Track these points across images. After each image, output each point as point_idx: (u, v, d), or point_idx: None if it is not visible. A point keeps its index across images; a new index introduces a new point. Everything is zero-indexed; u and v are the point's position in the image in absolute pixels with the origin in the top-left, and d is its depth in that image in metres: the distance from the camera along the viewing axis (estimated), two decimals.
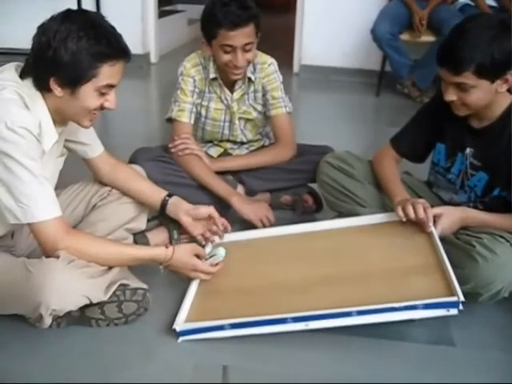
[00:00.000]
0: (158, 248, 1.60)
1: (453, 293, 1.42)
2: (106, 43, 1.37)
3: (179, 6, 6.69)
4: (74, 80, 1.38)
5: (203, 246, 1.76)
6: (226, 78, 2.13)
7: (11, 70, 1.43)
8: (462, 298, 1.39)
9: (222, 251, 1.69)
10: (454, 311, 1.42)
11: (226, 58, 2.01)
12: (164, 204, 1.78)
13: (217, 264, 1.67)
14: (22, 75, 1.42)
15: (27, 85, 1.41)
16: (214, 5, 1.97)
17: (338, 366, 1.48)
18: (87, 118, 1.48)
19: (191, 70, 2.14)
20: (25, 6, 4.63)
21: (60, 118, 1.49)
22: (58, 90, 1.40)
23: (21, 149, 1.34)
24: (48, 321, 1.43)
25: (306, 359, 1.50)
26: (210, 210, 1.80)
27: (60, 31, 1.34)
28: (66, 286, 1.39)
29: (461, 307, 1.41)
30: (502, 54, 1.51)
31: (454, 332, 1.61)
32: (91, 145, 1.73)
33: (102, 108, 1.48)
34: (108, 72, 1.40)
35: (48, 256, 1.42)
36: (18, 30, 4.66)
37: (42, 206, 1.38)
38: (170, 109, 2.19)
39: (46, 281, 1.36)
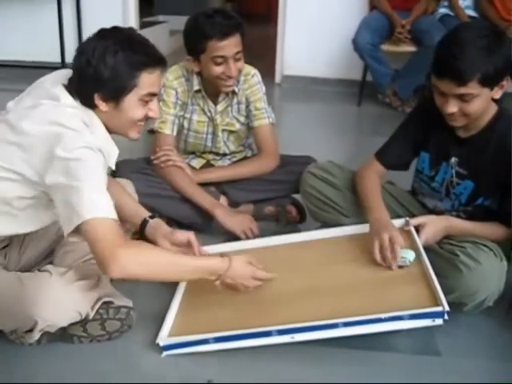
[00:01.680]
0: (214, 258, 1.56)
1: (438, 303, 1.42)
2: (142, 52, 1.44)
3: (161, 17, 6.69)
4: (116, 92, 1.43)
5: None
6: (211, 91, 2.13)
7: (65, 95, 1.44)
8: (447, 308, 1.39)
9: (411, 255, 1.61)
10: (439, 321, 1.42)
11: (218, 70, 2.00)
12: (143, 225, 1.73)
13: None
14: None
15: (79, 105, 1.44)
16: (196, 19, 1.97)
17: (325, 379, 1.47)
18: (134, 129, 1.52)
19: (174, 81, 2.13)
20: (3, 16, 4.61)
21: (109, 133, 1.52)
22: (103, 106, 1.44)
23: (97, 167, 1.37)
24: (36, 336, 1.42)
25: (292, 372, 1.49)
26: (188, 235, 1.71)
27: (97, 48, 1.40)
28: (60, 301, 1.39)
29: (446, 317, 1.41)
30: (502, 61, 1.51)
31: (440, 341, 1.60)
32: None
33: (146, 118, 1.53)
34: (148, 80, 1.45)
35: (102, 261, 1.33)
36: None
37: (101, 205, 1.34)
38: (151, 120, 2.17)
39: (39, 295, 1.36)
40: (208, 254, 1.73)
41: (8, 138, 1.39)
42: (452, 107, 1.57)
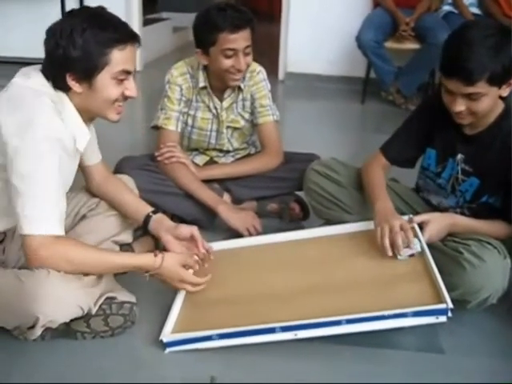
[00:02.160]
0: (146, 255, 1.55)
1: (441, 300, 1.42)
2: (112, 29, 1.40)
3: (164, 14, 6.69)
4: (88, 71, 1.40)
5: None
6: (217, 87, 2.13)
7: (38, 73, 1.44)
8: (450, 305, 1.39)
9: (418, 244, 1.61)
10: (442, 318, 1.42)
11: (228, 63, 2.00)
12: (147, 220, 1.73)
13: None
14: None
15: (51, 88, 1.43)
16: (208, 12, 1.98)
17: (328, 376, 1.47)
18: (112, 110, 1.49)
19: (178, 78, 2.13)
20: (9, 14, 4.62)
21: (87, 116, 1.51)
22: (76, 86, 1.42)
23: (47, 160, 1.35)
24: (38, 332, 1.42)
25: (295, 369, 1.49)
26: (192, 230, 1.71)
27: (64, 29, 1.37)
28: (60, 297, 1.38)
29: (449, 314, 1.41)
30: (510, 59, 1.51)
31: (443, 339, 1.60)
32: (92, 152, 1.72)
33: (124, 98, 1.49)
34: (119, 57, 1.42)
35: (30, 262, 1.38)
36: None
37: (44, 221, 1.36)
38: (155, 116, 2.17)
39: (38, 291, 1.35)
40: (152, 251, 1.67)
41: None
42: (460, 106, 1.57)
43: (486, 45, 1.49)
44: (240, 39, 1.97)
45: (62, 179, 1.41)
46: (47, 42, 1.41)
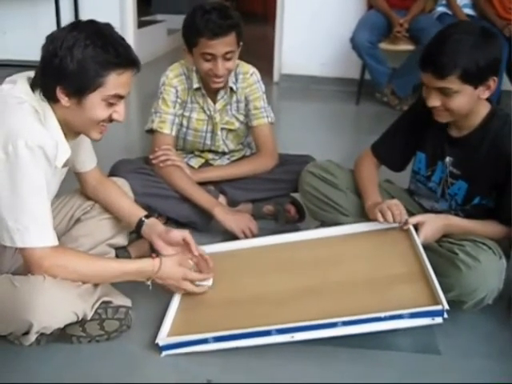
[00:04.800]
0: (144, 260, 1.55)
1: (437, 301, 1.42)
2: (114, 52, 1.36)
3: (159, 16, 6.69)
4: (80, 88, 1.36)
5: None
6: (209, 88, 2.12)
7: (24, 81, 1.41)
8: (446, 307, 1.39)
9: None
10: (438, 320, 1.42)
11: (207, 66, 2.00)
12: (139, 225, 1.72)
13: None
14: (33, 87, 1.41)
15: (37, 97, 1.39)
16: (194, 13, 1.96)
17: (325, 378, 1.47)
18: (96, 129, 1.46)
19: (174, 79, 2.13)
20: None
21: (69, 131, 1.47)
22: (64, 100, 1.38)
23: (33, 169, 1.33)
24: (33, 338, 1.41)
25: (292, 371, 1.49)
26: (184, 234, 1.68)
27: (67, 39, 1.34)
28: (55, 304, 1.37)
29: (445, 315, 1.41)
30: (486, 60, 1.52)
31: (440, 340, 1.61)
32: (85, 160, 1.70)
33: (110, 120, 1.45)
34: (115, 81, 1.38)
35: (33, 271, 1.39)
36: None
37: (38, 233, 1.36)
38: (149, 119, 2.17)
39: (33, 298, 1.34)
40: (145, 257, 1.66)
41: None
42: (434, 101, 1.60)
43: (462, 42, 1.52)
44: (219, 45, 1.94)
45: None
46: (46, 48, 1.37)
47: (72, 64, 1.33)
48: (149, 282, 1.54)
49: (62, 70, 1.34)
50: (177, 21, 6.50)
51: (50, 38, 1.37)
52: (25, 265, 1.42)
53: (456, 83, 1.53)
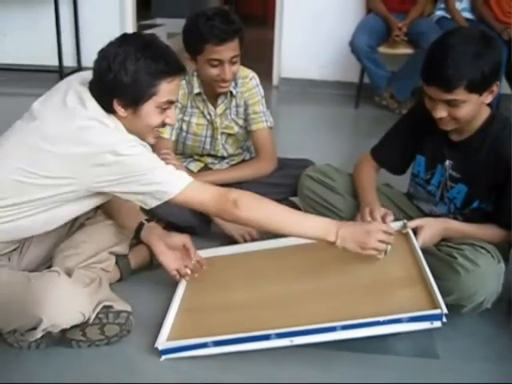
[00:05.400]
0: (324, 218, 1.62)
1: (436, 305, 1.42)
2: (163, 61, 1.44)
3: (158, 20, 6.69)
4: (135, 99, 1.45)
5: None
6: (210, 93, 2.13)
7: (91, 100, 1.44)
8: (445, 311, 1.39)
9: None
10: (437, 324, 1.42)
11: (214, 72, 2.00)
12: (139, 228, 1.74)
13: None
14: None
15: (103, 111, 1.45)
16: (197, 20, 1.96)
17: (324, 381, 1.47)
18: (151, 135, 1.55)
19: None
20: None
21: None
22: (121, 111, 1.46)
23: (146, 154, 1.46)
24: (38, 335, 1.42)
25: (291, 375, 1.49)
26: (184, 240, 1.72)
27: (118, 54, 1.41)
28: (66, 301, 1.40)
29: (444, 319, 1.41)
30: (490, 66, 1.52)
31: (439, 344, 1.61)
32: None
33: (163, 125, 1.55)
34: (167, 89, 1.46)
35: (219, 212, 1.54)
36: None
37: (176, 178, 1.49)
38: None
39: (47, 294, 1.38)
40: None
41: (40, 146, 1.40)
42: (441, 112, 1.59)
43: (465, 52, 1.51)
44: (226, 50, 1.96)
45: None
46: (98, 64, 1.44)
47: (126, 77, 1.41)
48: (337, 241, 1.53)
49: (117, 83, 1.42)
50: (176, 24, 6.50)
51: (102, 54, 1.44)
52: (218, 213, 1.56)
53: (463, 94, 1.52)
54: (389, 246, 1.57)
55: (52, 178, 1.41)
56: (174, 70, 1.47)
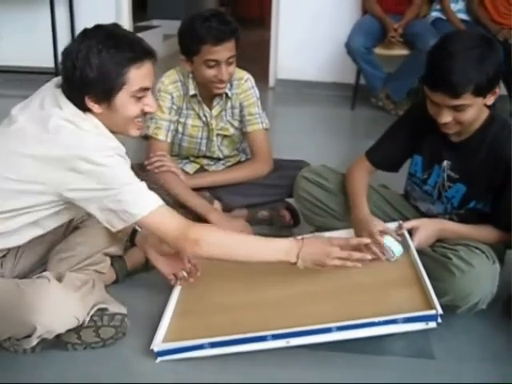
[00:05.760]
0: (285, 240, 1.58)
1: (431, 306, 1.42)
2: (127, 48, 1.39)
3: (154, 22, 6.69)
4: (106, 93, 1.40)
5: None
6: (206, 95, 2.13)
7: (67, 103, 1.42)
8: (440, 311, 1.40)
9: (398, 249, 1.64)
10: (432, 324, 1.42)
11: (211, 72, 2.01)
12: (133, 234, 1.74)
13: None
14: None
15: (80, 111, 1.42)
16: (193, 21, 1.96)
17: (322, 382, 1.48)
18: (133, 127, 1.50)
19: (169, 86, 2.14)
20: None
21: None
22: (95, 107, 1.42)
23: (121, 167, 1.42)
24: (34, 342, 1.41)
25: (288, 376, 1.49)
26: None
27: (80, 50, 1.37)
28: (60, 307, 1.38)
29: (439, 320, 1.41)
30: (494, 68, 1.52)
31: (434, 345, 1.61)
32: None
33: (143, 113, 1.49)
34: (137, 75, 1.41)
35: (177, 247, 1.50)
36: None
37: (147, 199, 1.44)
38: (145, 125, 2.17)
39: (39, 301, 1.35)
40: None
41: (16, 149, 1.38)
42: (446, 117, 1.58)
43: (469, 56, 1.50)
44: (223, 51, 1.96)
45: None
46: (64, 63, 1.40)
47: (92, 72, 1.37)
48: (299, 264, 1.53)
49: (84, 80, 1.37)
50: (172, 26, 6.48)
51: (65, 54, 1.41)
52: (163, 237, 1.49)
53: (470, 99, 1.52)
54: (396, 255, 1.63)
55: (25, 183, 1.38)
56: (141, 54, 1.42)
